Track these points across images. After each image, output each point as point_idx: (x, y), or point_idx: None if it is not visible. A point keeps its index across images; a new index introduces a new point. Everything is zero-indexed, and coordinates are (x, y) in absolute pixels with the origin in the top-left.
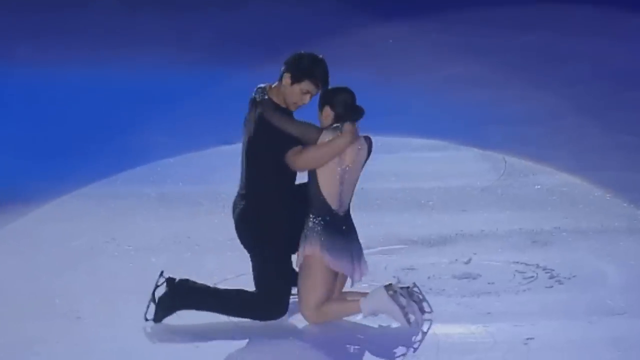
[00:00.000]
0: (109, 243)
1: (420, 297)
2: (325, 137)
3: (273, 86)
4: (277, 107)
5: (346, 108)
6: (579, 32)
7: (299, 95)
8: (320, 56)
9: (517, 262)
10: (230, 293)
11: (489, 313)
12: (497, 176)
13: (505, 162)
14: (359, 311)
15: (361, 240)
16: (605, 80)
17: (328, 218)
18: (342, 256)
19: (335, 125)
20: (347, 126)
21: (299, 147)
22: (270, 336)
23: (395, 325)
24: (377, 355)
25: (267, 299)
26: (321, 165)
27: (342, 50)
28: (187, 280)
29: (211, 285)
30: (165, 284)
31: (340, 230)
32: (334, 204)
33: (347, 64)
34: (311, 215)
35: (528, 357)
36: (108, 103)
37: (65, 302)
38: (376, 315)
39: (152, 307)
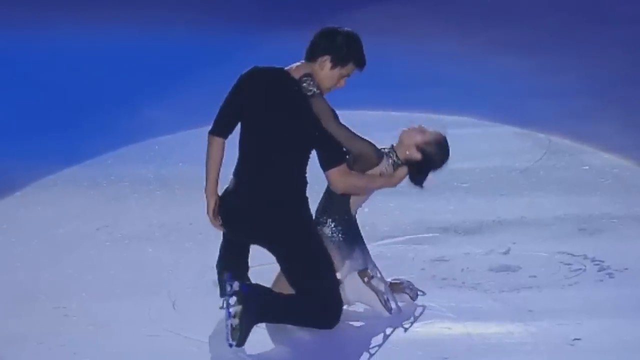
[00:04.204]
0: (100, 231)
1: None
2: (383, 166)
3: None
4: (331, 110)
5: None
6: None
7: (337, 80)
8: (348, 30)
9: (562, 253)
10: (294, 300)
11: (530, 310)
12: (539, 156)
13: (549, 141)
14: None
15: (386, 228)
16: None
17: (348, 227)
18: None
19: (394, 160)
20: (402, 172)
21: (344, 168)
22: (273, 333)
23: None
24: (368, 351)
25: (335, 303)
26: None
27: (364, 16)
28: (258, 289)
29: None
30: (234, 295)
31: (360, 236)
32: (354, 210)
33: (370, 30)
34: (329, 221)
35: None
36: (99, 71)
37: (51, 298)
38: (351, 305)
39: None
